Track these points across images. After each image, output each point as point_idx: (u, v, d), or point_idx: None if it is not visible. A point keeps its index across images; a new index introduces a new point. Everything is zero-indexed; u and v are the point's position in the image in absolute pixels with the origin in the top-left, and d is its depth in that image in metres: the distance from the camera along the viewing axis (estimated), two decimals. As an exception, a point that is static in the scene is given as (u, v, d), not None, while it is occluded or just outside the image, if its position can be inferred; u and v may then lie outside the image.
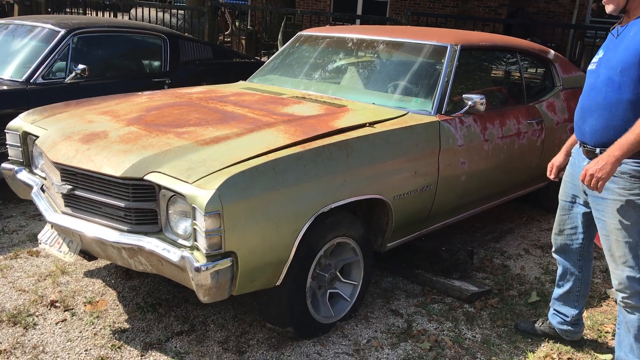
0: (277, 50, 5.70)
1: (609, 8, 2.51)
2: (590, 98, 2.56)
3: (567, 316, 3.00)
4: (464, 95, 3.49)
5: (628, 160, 2.44)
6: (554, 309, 3.06)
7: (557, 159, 2.94)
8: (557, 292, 3.03)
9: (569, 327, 3.02)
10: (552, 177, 2.94)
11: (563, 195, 2.87)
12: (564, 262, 2.95)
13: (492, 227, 4.71)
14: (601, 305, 3.53)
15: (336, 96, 3.74)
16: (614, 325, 3.26)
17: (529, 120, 4.12)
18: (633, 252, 2.52)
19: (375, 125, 3.15)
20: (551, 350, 3.04)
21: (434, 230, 3.70)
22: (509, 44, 4.39)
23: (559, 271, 2.99)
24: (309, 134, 2.88)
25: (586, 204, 2.74)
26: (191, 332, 3.03)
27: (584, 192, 2.69)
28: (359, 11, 14.91)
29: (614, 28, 2.58)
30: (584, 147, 2.64)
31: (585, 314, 3.28)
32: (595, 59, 2.64)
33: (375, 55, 4.05)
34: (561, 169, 2.93)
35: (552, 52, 4.73)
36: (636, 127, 2.34)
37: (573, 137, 2.88)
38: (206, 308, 3.24)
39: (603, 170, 2.38)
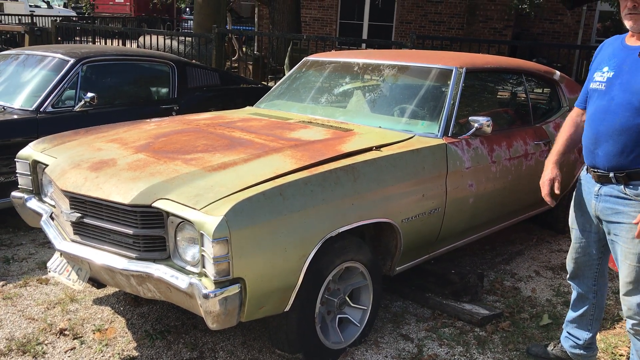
0: (284, 75, 5.76)
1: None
2: (605, 122, 2.48)
3: (579, 339, 2.95)
4: (470, 118, 3.50)
5: None
6: (567, 332, 3.02)
7: (557, 174, 2.76)
8: (571, 315, 2.99)
9: (581, 351, 2.97)
10: (557, 191, 2.77)
11: (574, 223, 2.82)
12: (578, 288, 2.90)
13: (502, 249, 4.68)
14: (614, 328, 3.48)
15: (343, 120, 3.76)
16: (628, 347, 3.21)
17: (536, 141, 4.12)
18: None
19: (382, 149, 3.16)
20: (565, 374, 2.99)
21: (443, 253, 3.67)
22: (515, 66, 4.41)
23: (573, 296, 2.95)
24: (316, 158, 2.89)
25: (599, 231, 2.69)
26: (200, 359, 3.01)
27: (597, 218, 2.65)
28: (365, 35, 15.06)
29: (615, 47, 2.53)
30: (595, 172, 2.58)
31: (598, 337, 3.23)
32: (601, 77, 2.54)
33: (381, 79, 4.07)
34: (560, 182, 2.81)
35: (558, 72, 4.74)
36: None
37: (557, 152, 2.81)
38: (215, 335, 3.22)
39: None
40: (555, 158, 2.81)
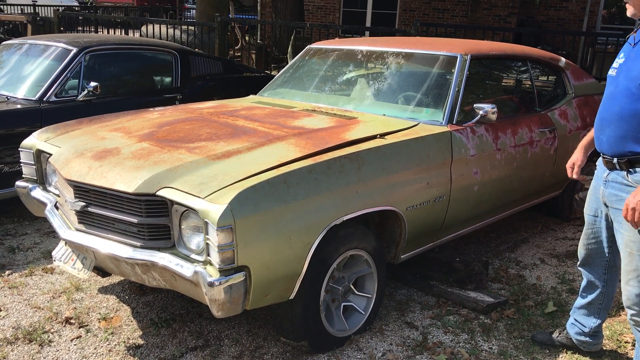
0: (287, 63, 5.73)
1: (629, 11, 2.45)
2: (608, 108, 2.50)
3: (585, 327, 2.95)
4: (475, 105, 3.48)
5: None
6: (574, 318, 3.01)
7: (578, 158, 2.86)
8: (579, 302, 2.97)
9: (587, 338, 2.97)
10: (575, 175, 2.86)
11: (588, 209, 2.81)
12: (589, 275, 2.89)
13: (507, 236, 4.67)
14: (620, 315, 3.47)
15: (346, 108, 3.75)
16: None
17: (542, 128, 4.10)
18: None
19: (386, 137, 3.14)
20: (570, 361, 3.00)
21: (447, 241, 3.67)
22: (520, 53, 4.38)
23: (583, 283, 2.94)
24: (320, 146, 2.88)
25: (608, 218, 2.68)
26: (205, 347, 3.02)
27: (605, 205, 2.64)
28: (368, 23, 14.98)
29: (629, 36, 2.53)
30: (603, 157, 2.59)
31: (604, 324, 3.22)
32: (616, 64, 2.56)
33: (385, 67, 4.05)
34: (581, 167, 2.87)
35: (563, 59, 4.70)
36: None
37: (588, 136, 2.87)
38: (220, 323, 3.23)
39: None
40: (584, 142, 2.90)
